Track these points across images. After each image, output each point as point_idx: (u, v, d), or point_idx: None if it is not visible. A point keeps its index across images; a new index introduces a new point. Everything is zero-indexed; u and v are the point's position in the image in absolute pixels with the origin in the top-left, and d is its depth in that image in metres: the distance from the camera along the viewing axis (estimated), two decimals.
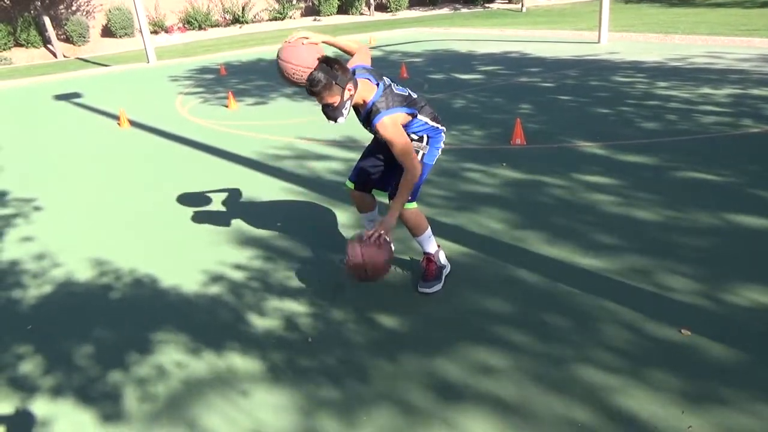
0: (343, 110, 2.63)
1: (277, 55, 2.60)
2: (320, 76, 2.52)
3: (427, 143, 2.88)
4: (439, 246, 3.08)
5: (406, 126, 2.77)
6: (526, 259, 3.23)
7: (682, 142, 5.07)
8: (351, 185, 3.09)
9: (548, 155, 5.00)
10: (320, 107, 2.66)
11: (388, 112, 2.67)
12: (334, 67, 2.54)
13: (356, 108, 2.78)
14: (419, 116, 2.82)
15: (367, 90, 2.69)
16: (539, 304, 2.79)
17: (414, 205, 2.91)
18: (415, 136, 2.84)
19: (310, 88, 2.56)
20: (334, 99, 2.58)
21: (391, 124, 2.65)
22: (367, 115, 2.73)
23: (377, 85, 2.72)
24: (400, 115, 2.71)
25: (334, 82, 2.53)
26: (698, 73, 8.00)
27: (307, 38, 2.61)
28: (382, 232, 2.68)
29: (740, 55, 9.21)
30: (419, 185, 2.89)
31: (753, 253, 3.11)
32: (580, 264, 3.12)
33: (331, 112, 2.63)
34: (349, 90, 2.60)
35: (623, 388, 2.19)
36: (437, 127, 2.90)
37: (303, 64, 2.53)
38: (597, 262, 3.13)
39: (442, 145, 2.96)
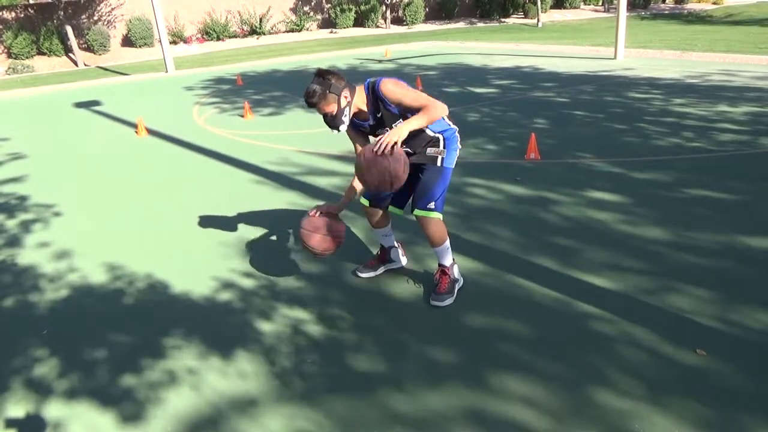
0: (343, 117, 2.71)
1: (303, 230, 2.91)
2: (315, 87, 2.63)
3: (444, 147, 2.89)
4: (454, 260, 3.08)
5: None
6: (539, 277, 3.21)
7: (698, 159, 5.03)
8: (366, 202, 3.10)
9: (563, 171, 4.99)
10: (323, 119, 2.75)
11: (386, 76, 2.74)
12: (326, 77, 2.64)
13: (363, 119, 2.83)
14: None
15: (362, 94, 2.78)
16: (550, 324, 2.77)
17: (439, 215, 2.90)
18: (431, 133, 2.85)
19: (308, 100, 2.66)
20: (332, 107, 2.67)
21: (393, 83, 2.71)
22: (373, 104, 2.76)
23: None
24: (401, 82, 2.77)
25: (328, 91, 2.62)
26: (715, 90, 7.95)
27: (329, 212, 2.93)
28: (391, 140, 2.54)
29: (758, 73, 9.15)
30: (444, 192, 2.89)
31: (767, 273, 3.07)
32: (592, 283, 3.10)
33: (332, 121, 2.72)
34: (346, 97, 2.68)
35: (637, 410, 2.16)
36: (450, 125, 2.93)
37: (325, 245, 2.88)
38: (610, 281, 3.10)
39: (459, 146, 2.97)
